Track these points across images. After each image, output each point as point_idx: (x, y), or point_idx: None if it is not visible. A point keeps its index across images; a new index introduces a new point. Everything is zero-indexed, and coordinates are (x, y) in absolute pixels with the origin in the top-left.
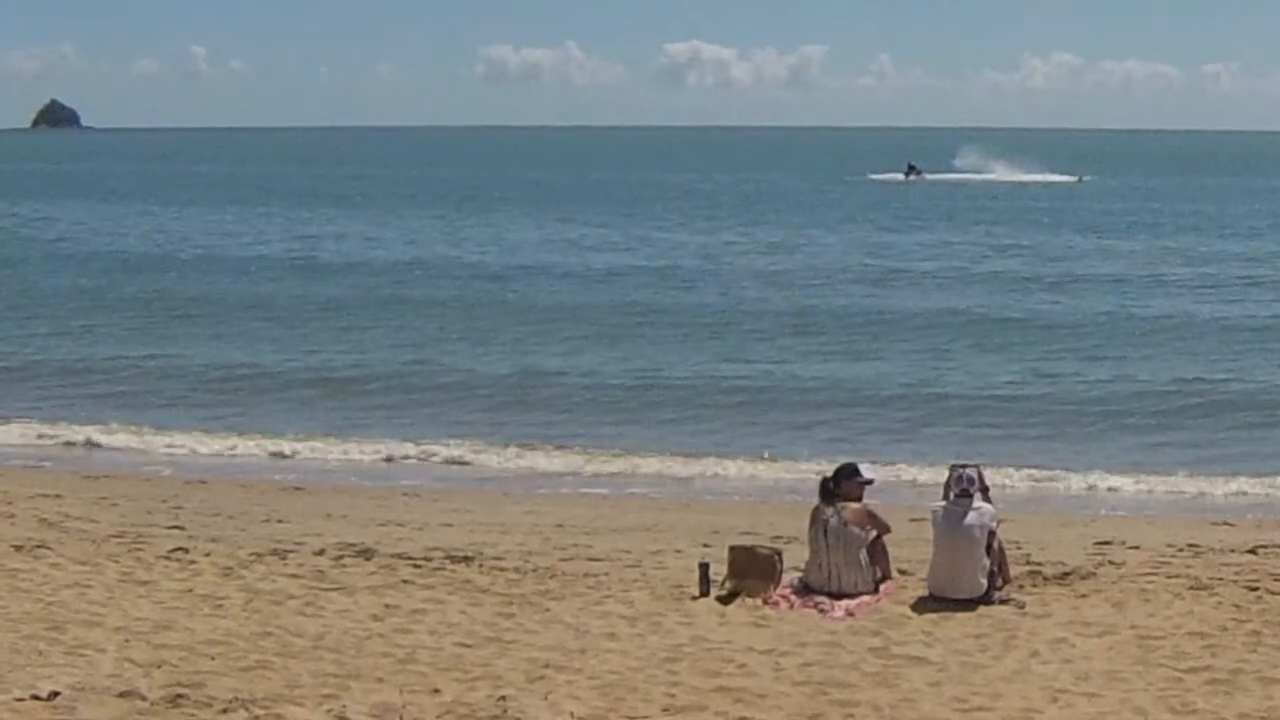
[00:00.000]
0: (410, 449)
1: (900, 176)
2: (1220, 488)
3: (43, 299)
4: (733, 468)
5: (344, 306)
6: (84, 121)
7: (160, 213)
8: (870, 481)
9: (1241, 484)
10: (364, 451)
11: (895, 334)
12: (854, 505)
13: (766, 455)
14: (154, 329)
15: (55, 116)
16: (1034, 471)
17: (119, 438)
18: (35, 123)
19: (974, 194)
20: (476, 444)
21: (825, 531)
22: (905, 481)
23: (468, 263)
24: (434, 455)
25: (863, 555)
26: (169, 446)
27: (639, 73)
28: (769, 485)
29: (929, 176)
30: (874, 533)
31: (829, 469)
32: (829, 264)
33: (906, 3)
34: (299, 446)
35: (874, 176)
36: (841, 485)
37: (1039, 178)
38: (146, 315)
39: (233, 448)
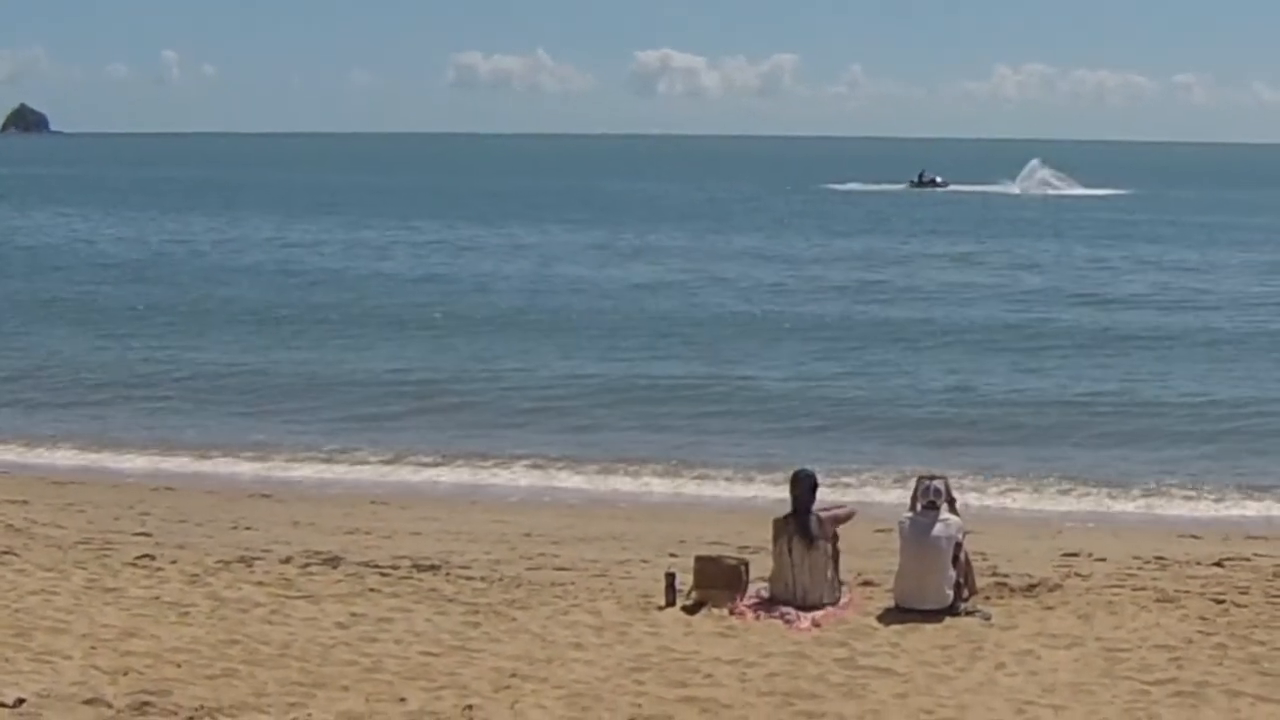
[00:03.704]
0: (380, 456)
1: (902, 185)
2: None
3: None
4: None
5: (319, 317)
6: (54, 126)
7: (137, 219)
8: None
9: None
10: (335, 458)
11: (869, 346)
12: (817, 517)
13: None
14: (128, 338)
15: (25, 120)
16: (1001, 482)
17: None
18: (4, 126)
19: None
20: (448, 453)
21: (790, 547)
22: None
23: (440, 273)
24: (403, 463)
25: (829, 568)
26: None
27: (609, 81)
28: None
29: (954, 187)
30: (834, 534)
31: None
32: (814, 274)
33: (878, 12)
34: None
35: (866, 186)
36: (809, 497)
37: (1066, 192)
38: (119, 324)
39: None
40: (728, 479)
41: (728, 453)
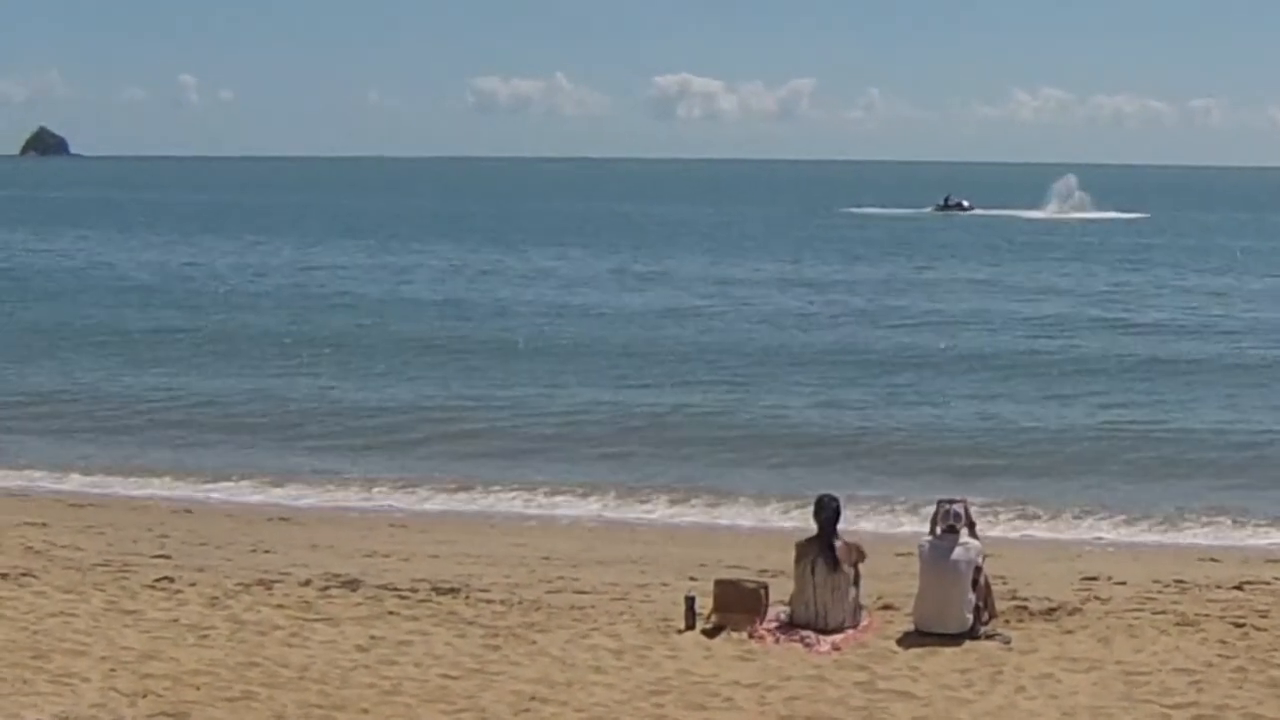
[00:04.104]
0: (399, 482)
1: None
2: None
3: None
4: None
5: (339, 342)
6: (73, 149)
7: (158, 242)
8: None
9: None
10: (354, 483)
11: (891, 371)
12: (842, 543)
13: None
14: (149, 363)
15: (44, 144)
16: (1022, 508)
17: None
18: (24, 150)
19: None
20: (467, 479)
21: (814, 570)
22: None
23: (461, 298)
24: (422, 487)
25: (851, 592)
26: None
27: (628, 104)
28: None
29: (980, 210)
30: (855, 562)
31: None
32: (833, 299)
33: (894, 36)
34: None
35: (889, 210)
36: (834, 522)
37: (1091, 215)
38: (141, 349)
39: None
40: (748, 505)
41: (748, 479)
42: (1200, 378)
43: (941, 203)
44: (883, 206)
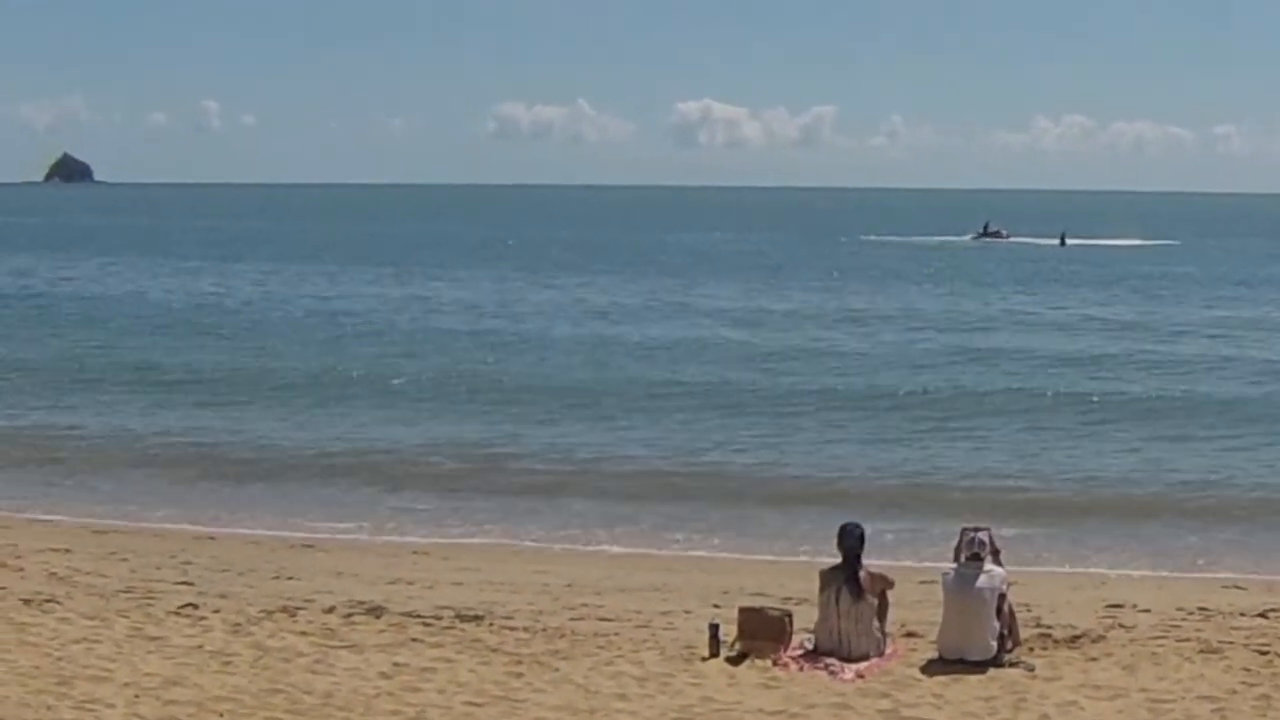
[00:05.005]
0: (423, 521)
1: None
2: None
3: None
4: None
5: (365, 375)
6: (97, 175)
7: (183, 270)
8: None
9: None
10: (378, 514)
11: (925, 405)
12: (866, 572)
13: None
14: (175, 392)
15: (68, 170)
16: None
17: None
18: (48, 176)
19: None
20: (496, 512)
21: (838, 599)
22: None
23: (489, 329)
24: (445, 524)
25: (875, 622)
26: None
27: (650, 131)
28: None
29: (1017, 239)
30: (881, 591)
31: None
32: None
33: (917, 63)
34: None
35: (925, 238)
36: (857, 550)
37: (1123, 242)
38: (168, 378)
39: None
40: (773, 533)
41: (776, 509)
42: (1236, 413)
43: (980, 230)
44: (918, 234)
